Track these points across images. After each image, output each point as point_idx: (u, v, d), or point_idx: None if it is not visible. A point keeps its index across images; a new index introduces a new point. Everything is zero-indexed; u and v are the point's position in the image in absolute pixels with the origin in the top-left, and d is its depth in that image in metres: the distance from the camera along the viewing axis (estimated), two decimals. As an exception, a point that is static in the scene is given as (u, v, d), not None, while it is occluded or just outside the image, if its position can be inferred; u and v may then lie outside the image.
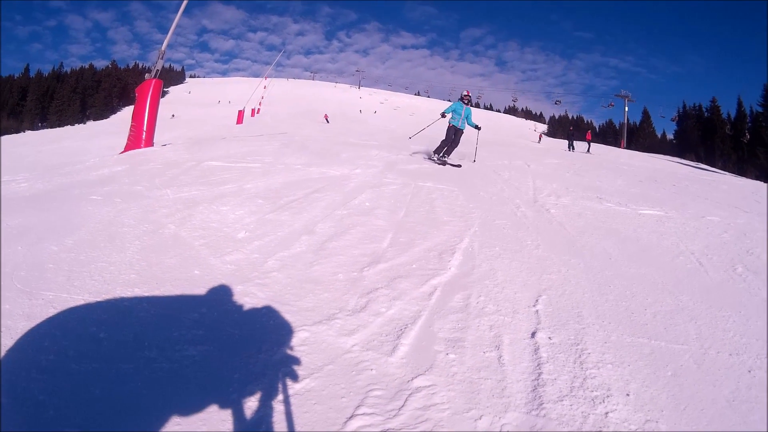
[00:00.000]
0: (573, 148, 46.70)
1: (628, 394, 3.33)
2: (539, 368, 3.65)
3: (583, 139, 53.62)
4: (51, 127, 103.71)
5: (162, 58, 16.95)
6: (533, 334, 4.18)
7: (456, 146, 16.98)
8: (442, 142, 16.67)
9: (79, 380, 3.16)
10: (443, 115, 17.14)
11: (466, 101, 17.09)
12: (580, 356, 3.84)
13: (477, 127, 17.66)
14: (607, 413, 3.12)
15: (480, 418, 3.06)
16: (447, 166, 15.42)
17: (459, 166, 15.66)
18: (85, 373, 3.24)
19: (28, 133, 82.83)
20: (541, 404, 3.19)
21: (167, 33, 17.44)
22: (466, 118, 16.98)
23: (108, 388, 3.11)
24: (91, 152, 20.22)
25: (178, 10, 17.58)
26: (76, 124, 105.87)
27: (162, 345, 3.69)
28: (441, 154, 16.45)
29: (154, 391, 3.15)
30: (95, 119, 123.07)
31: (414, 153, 18.06)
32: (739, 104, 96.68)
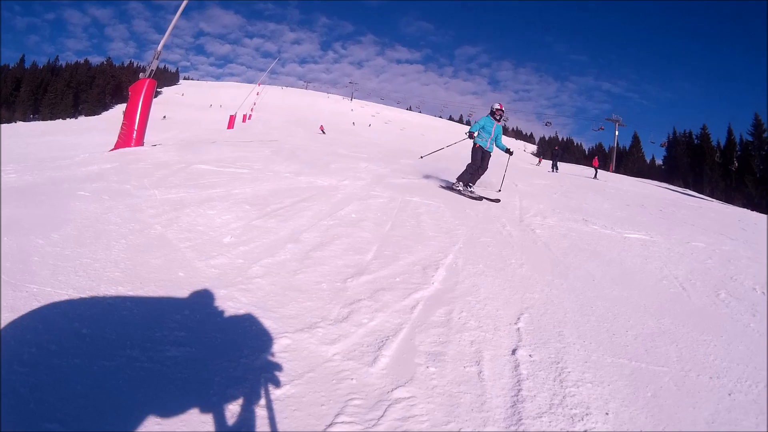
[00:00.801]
0: (556, 169, 46.32)
1: (607, 413, 3.35)
2: (519, 384, 3.66)
3: (579, 162, 54.28)
4: (43, 120, 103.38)
5: (157, 59, 16.98)
6: (514, 351, 4.20)
7: (483, 173, 14.19)
8: (468, 166, 13.86)
9: (60, 375, 3.14)
10: (471, 135, 14.25)
11: (497, 117, 13.97)
12: (560, 374, 3.85)
13: (508, 151, 15.36)
14: (585, 431, 3.13)
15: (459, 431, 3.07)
16: (482, 200, 13.04)
17: (497, 201, 13.07)
18: (67, 368, 3.23)
19: (20, 124, 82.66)
20: (520, 419, 3.20)
21: (164, 33, 17.50)
22: (496, 138, 14.12)
23: (90, 385, 3.09)
24: (82, 147, 20.14)
25: (176, 12, 17.63)
26: (68, 119, 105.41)
27: (144, 345, 3.68)
28: (467, 184, 13.79)
29: (136, 389, 3.14)
30: (87, 115, 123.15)
31: (426, 177, 16.96)
32: (729, 132, 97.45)
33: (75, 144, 25.89)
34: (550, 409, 3.36)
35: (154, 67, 16.81)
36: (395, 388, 3.53)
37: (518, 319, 4.91)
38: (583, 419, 3.27)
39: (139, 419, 2.86)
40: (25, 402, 2.83)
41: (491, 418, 3.23)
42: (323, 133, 67.18)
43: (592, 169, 53.07)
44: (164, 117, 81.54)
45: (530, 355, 4.14)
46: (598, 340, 4.57)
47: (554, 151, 54.08)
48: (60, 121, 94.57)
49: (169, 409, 2.99)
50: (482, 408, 3.35)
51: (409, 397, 3.43)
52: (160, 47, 17.14)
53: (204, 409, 3.03)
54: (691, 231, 11.49)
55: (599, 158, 58.86)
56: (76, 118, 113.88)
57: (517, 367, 3.94)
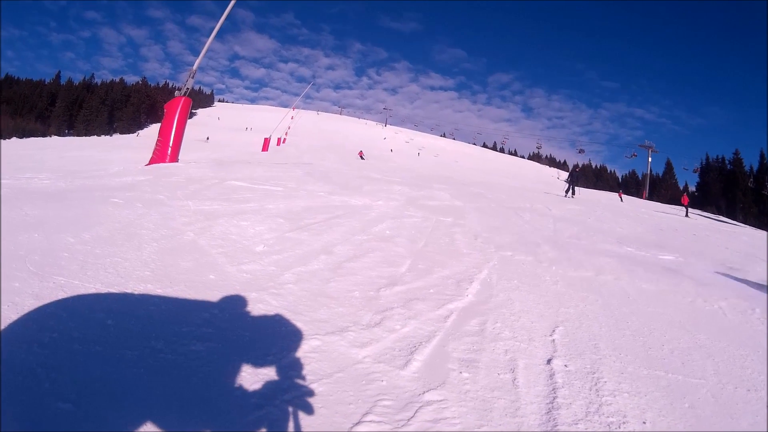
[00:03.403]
0: (573, 193, 35.92)
1: (644, 422, 3.24)
2: (554, 392, 3.56)
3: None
4: (77, 135, 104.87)
5: (192, 77, 17.19)
6: (549, 361, 4.10)
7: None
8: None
9: (79, 360, 3.13)
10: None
11: None
12: (596, 384, 3.75)
13: None
14: (623, 440, 3.02)
15: (491, 437, 2.97)
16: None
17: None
18: (87, 354, 3.22)
19: (54, 138, 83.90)
20: (556, 426, 3.10)
21: (199, 55, 17.69)
22: None
23: (108, 371, 3.07)
24: (115, 163, 20.38)
25: (210, 34, 17.84)
26: (102, 135, 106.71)
27: (169, 338, 3.65)
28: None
29: (156, 379, 3.10)
30: (122, 132, 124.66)
31: (460, 201, 17.18)
32: (762, 157, 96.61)
33: (108, 159, 26.25)
34: (587, 417, 3.26)
35: (189, 85, 17.00)
36: (426, 391, 3.45)
37: (553, 331, 4.81)
38: (620, 427, 3.16)
39: (157, 406, 2.82)
40: (40, 381, 2.81)
41: (525, 423, 3.13)
42: (362, 159, 67.11)
43: (682, 207, 47.70)
44: (207, 138, 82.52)
45: (565, 365, 4.03)
46: (634, 353, 4.45)
47: (574, 170, 42.21)
48: (95, 137, 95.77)
49: (189, 399, 2.95)
50: (516, 413, 3.25)
51: (440, 400, 3.34)
52: (195, 66, 17.35)
53: (226, 402, 2.98)
54: (724, 254, 11.37)
55: (687, 195, 50.31)
56: (111, 135, 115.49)
57: (552, 376, 3.83)
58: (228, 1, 17.73)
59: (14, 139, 54.29)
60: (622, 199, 50.56)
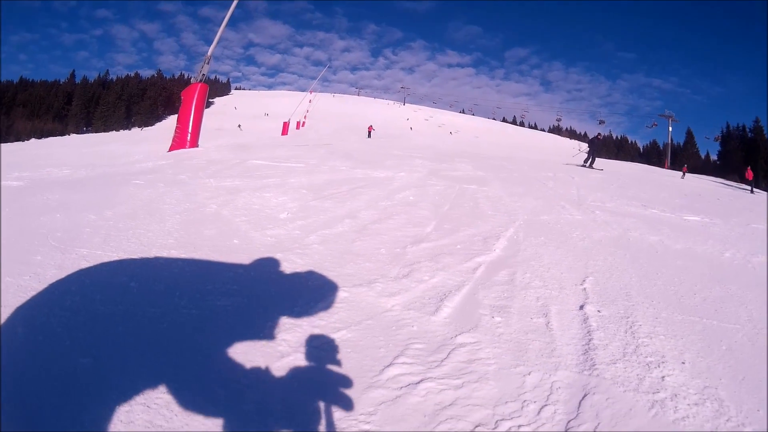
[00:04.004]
0: (592, 163, 30.39)
1: (683, 363, 3.16)
2: (589, 335, 3.50)
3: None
4: (96, 132, 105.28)
5: (208, 63, 17.21)
6: (581, 307, 4.04)
7: None
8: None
9: (101, 319, 3.11)
10: None
11: None
12: (631, 327, 3.68)
13: None
14: (663, 377, 2.94)
15: (529, 374, 2.90)
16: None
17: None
18: (109, 313, 3.20)
19: (73, 136, 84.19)
20: (594, 365, 3.03)
21: (213, 42, 17.67)
22: None
23: (130, 327, 3.06)
24: (136, 155, 20.45)
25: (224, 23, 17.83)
26: (121, 130, 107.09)
27: (193, 295, 3.63)
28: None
29: (179, 332, 3.09)
30: (140, 126, 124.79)
31: (484, 171, 16.37)
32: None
33: (129, 152, 26.28)
34: (624, 357, 3.18)
35: (205, 71, 17.03)
36: (459, 335, 3.40)
37: (583, 281, 4.75)
38: (659, 366, 3.08)
39: (179, 356, 2.80)
40: (61, 340, 2.80)
41: (563, 363, 3.06)
42: (369, 136, 63.07)
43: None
44: (239, 126, 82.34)
45: (599, 311, 3.96)
46: (666, 300, 4.37)
47: (596, 139, 34.73)
48: (113, 132, 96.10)
49: (213, 349, 2.93)
50: (552, 354, 3.19)
51: (473, 342, 3.29)
52: (210, 52, 17.38)
53: (251, 351, 2.94)
54: (749, 216, 11.22)
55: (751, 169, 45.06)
56: (129, 129, 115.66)
57: (586, 320, 3.78)
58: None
59: (33, 140, 54.46)
60: (684, 176, 46.95)
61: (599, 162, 34.48)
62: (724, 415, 2.60)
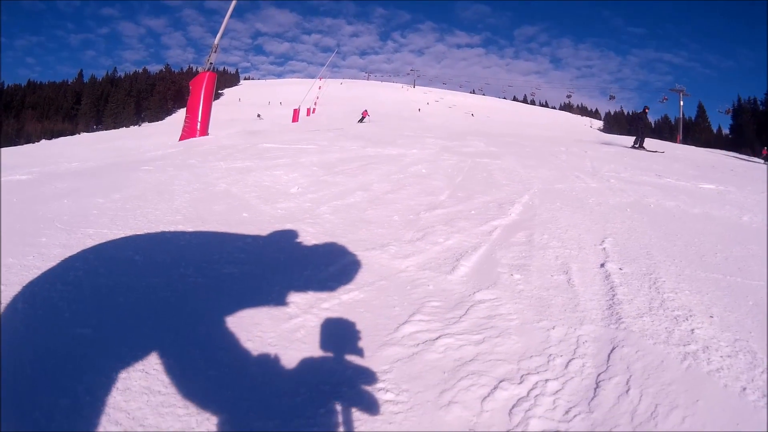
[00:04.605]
0: (642, 144, 25.46)
1: (711, 316, 3.05)
2: (613, 290, 3.41)
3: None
4: (106, 129, 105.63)
5: (215, 51, 17.09)
6: (602, 265, 3.97)
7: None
8: None
9: (103, 291, 3.05)
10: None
11: None
12: (654, 283, 3.58)
13: None
14: (692, 330, 2.83)
15: (553, 329, 2.81)
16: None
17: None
18: (112, 285, 3.13)
19: (84, 135, 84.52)
20: (620, 319, 2.93)
21: (222, 34, 17.61)
22: None
23: (133, 298, 3.00)
24: (146, 146, 20.49)
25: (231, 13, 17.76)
26: (132, 126, 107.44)
27: (200, 265, 3.57)
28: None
29: (182, 300, 3.03)
30: (150, 121, 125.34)
31: (497, 147, 15.78)
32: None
33: (140, 146, 26.37)
34: (650, 311, 3.08)
35: (213, 59, 16.92)
36: (477, 291, 3.33)
37: (602, 241, 4.68)
38: (687, 319, 2.97)
39: (183, 323, 2.74)
40: (60, 312, 2.72)
41: (588, 318, 2.96)
42: (362, 120, 53.78)
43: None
44: (258, 115, 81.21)
45: (620, 268, 3.87)
46: (688, 259, 4.28)
47: (643, 114, 28.63)
48: (124, 129, 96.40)
49: (218, 315, 2.86)
50: (576, 309, 3.09)
51: (493, 299, 3.21)
52: (216, 40, 17.25)
53: (259, 315, 2.88)
54: (764, 185, 11.06)
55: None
56: (140, 125, 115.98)
57: (608, 277, 3.69)
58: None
59: (43, 141, 54.60)
60: (766, 159, 43.86)
61: (652, 143, 30.18)
62: (758, 367, 2.49)
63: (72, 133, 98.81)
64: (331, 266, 3.71)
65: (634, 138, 26.13)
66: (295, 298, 3.11)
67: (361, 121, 51.52)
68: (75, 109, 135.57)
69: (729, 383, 2.33)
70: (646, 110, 29.55)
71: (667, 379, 2.35)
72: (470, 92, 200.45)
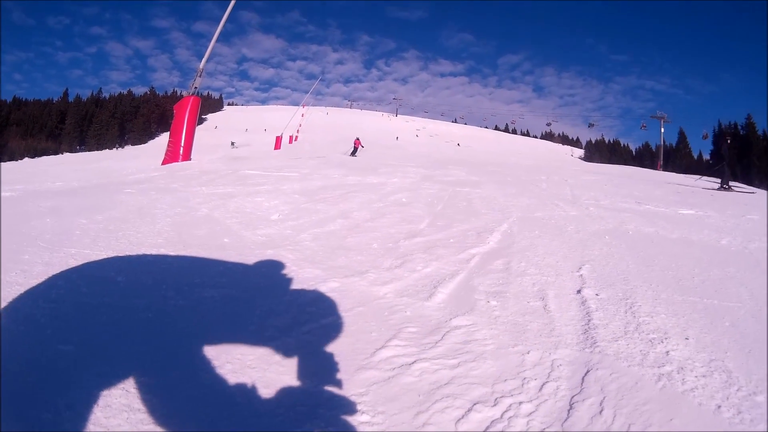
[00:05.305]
0: (728, 184, 20.87)
1: (687, 338, 3.11)
2: (589, 315, 3.46)
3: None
4: (89, 151, 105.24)
5: (200, 76, 17.18)
6: (579, 291, 4.01)
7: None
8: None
9: (85, 309, 3.08)
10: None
11: None
12: (631, 308, 3.64)
13: None
14: (668, 351, 2.89)
15: (528, 353, 2.85)
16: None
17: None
18: (94, 304, 3.16)
19: (66, 155, 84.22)
20: (595, 343, 2.98)
21: (208, 58, 17.67)
22: None
23: (115, 317, 3.03)
24: (130, 169, 20.48)
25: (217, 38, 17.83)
26: (115, 148, 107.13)
27: (181, 288, 3.59)
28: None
29: (165, 320, 3.06)
30: (133, 144, 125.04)
31: (478, 176, 15.62)
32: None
33: (123, 167, 26.32)
34: (626, 335, 3.13)
35: (198, 84, 17.02)
36: (454, 318, 3.36)
37: (580, 268, 4.71)
38: (663, 342, 3.03)
39: (165, 344, 2.76)
40: (42, 329, 2.76)
41: (563, 342, 3.01)
42: (353, 152, 44.30)
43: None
44: (232, 143, 79.49)
45: (597, 294, 3.92)
46: (665, 283, 4.33)
47: (726, 143, 24.32)
48: (107, 150, 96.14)
49: (199, 336, 2.90)
50: (552, 333, 3.14)
51: (470, 324, 3.25)
52: (202, 65, 17.35)
53: (239, 337, 2.92)
54: (744, 208, 11.20)
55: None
56: (123, 147, 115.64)
57: (584, 302, 3.73)
58: (230, 2, 17.69)
59: (26, 159, 54.38)
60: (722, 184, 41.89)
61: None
62: (734, 385, 2.55)
63: (55, 153, 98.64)
64: (311, 292, 3.75)
65: (721, 180, 21.06)
66: (275, 322, 3.14)
67: (353, 153, 42.82)
68: (59, 128, 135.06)
69: (704, 402, 2.39)
70: (727, 139, 24.89)
71: (641, 400, 2.39)
72: (452, 121, 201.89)
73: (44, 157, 63.20)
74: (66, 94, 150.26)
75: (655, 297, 3.93)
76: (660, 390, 2.49)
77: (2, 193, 7.36)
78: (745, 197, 16.31)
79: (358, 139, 48.35)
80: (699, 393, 2.46)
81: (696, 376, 2.62)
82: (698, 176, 28.17)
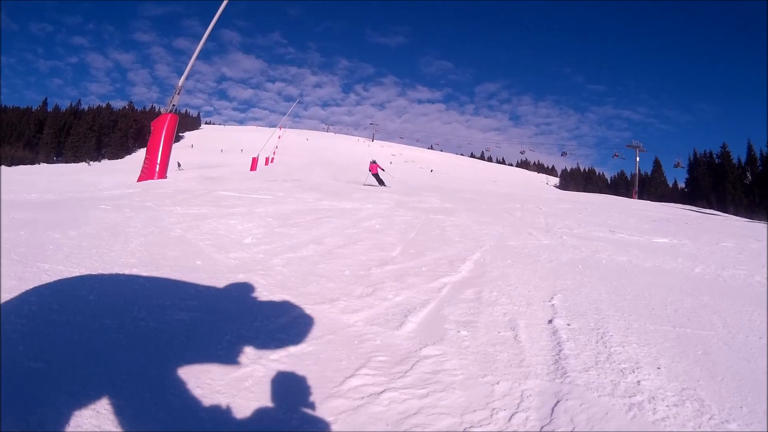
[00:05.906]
0: None
1: (658, 368, 3.14)
2: (559, 345, 3.47)
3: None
4: (66, 162, 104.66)
5: (179, 93, 17.09)
6: (550, 321, 4.01)
7: None
8: None
9: (57, 327, 3.08)
10: None
11: None
12: (602, 337, 3.65)
13: None
14: (639, 381, 2.92)
15: (497, 383, 2.87)
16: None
17: None
18: (65, 322, 3.16)
19: (43, 165, 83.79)
20: (565, 373, 3.00)
21: (188, 76, 17.60)
22: None
23: (86, 336, 3.03)
24: (105, 184, 20.36)
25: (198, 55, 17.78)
26: (91, 162, 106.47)
27: (152, 309, 3.58)
28: None
29: (135, 341, 3.06)
30: (110, 158, 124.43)
31: (452, 203, 16.30)
32: (749, 148, 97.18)
33: (98, 182, 26.25)
34: (597, 365, 3.15)
35: (176, 101, 16.92)
36: (424, 347, 3.38)
37: (551, 298, 4.72)
38: (634, 371, 3.06)
39: (133, 364, 2.75)
40: (14, 345, 2.76)
41: (533, 372, 3.02)
42: (377, 179, 33.19)
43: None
44: (178, 164, 78.32)
45: (568, 324, 3.93)
46: (637, 312, 4.36)
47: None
48: (83, 164, 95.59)
49: (169, 359, 2.89)
50: (522, 364, 3.15)
51: (439, 354, 3.26)
52: (181, 82, 17.26)
53: (208, 361, 2.92)
54: (718, 236, 11.29)
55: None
56: (99, 161, 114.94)
57: (555, 332, 3.74)
58: (212, 19, 17.67)
59: (3, 167, 53.94)
60: None
61: None
62: (705, 414, 2.59)
63: (32, 162, 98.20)
64: (281, 318, 3.75)
65: None
66: (245, 348, 3.15)
67: (379, 182, 31.60)
68: (36, 137, 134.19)
69: (675, 431, 2.40)
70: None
71: (611, 430, 2.40)
72: (428, 147, 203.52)
73: (21, 167, 62.84)
74: (45, 102, 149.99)
75: (627, 326, 3.95)
76: (630, 420, 2.51)
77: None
78: (719, 224, 16.41)
79: (374, 162, 34.45)
80: (670, 422, 2.49)
81: (667, 406, 2.65)
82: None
